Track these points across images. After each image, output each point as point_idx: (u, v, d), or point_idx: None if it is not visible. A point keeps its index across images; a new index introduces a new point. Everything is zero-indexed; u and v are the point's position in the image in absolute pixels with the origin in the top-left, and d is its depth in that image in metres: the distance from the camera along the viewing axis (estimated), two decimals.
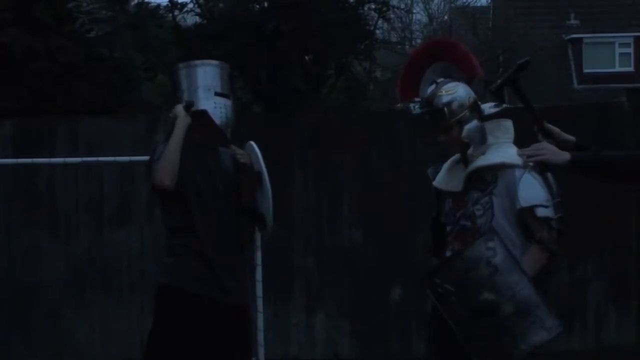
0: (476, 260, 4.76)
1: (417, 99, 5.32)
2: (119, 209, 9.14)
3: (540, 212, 4.94)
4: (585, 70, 37.39)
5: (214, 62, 5.53)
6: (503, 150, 5.10)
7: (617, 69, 37.36)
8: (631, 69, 37.23)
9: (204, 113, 5.28)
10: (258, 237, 7.35)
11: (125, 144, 9.08)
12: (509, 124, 5.21)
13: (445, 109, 5.12)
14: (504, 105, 5.20)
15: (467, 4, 36.06)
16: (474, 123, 5.12)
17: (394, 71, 24.48)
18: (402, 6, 28.42)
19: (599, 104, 11.90)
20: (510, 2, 34.80)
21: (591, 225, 9.19)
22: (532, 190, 4.96)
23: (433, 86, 5.23)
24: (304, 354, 9.10)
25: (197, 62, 5.47)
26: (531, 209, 4.95)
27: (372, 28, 15.16)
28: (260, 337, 7.49)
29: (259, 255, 7.42)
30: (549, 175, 5.00)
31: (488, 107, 5.19)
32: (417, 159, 8.94)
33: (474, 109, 5.13)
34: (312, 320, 9.06)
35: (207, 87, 5.32)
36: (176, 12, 14.33)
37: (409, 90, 5.44)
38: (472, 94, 5.16)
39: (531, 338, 4.81)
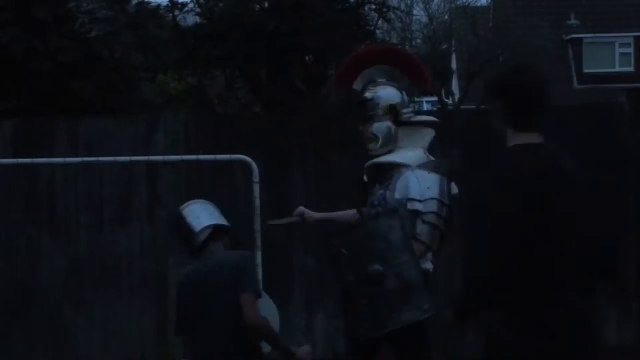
0: (375, 232, 5.23)
1: (351, 90, 5.92)
2: (119, 209, 9.14)
3: (410, 205, 5.52)
4: (585, 70, 37.38)
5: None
6: (405, 152, 5.70)
7: (617, 69, 37.35)
8: (631, 69, 37.22)
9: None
10: (258, 237, 7.36)
11: (125, 144, 9.08)
12: (426, 131, 5.81)
13: (366, 103, 5.75)
14: (422, 117, 5.99)
15: (467, 4, 36.01)
16: (385, 123, 5.72)
17: None
18: (402, 6, 28.44)
19: (599, 104, 11.90)
20: (510, 2, 34.78)
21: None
22: (408, 184, 5.56)
23: (368, 83, 5.84)
24: None
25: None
26: (404, 202, 5.54)
27: (372, 28, 15.18)
28: None
29: (259, 255, 7.42)
30: (443, 179, 5.59)
31: (410, 115, 5.84)
32: None
33: (389, 111, 5.73)
34: (312, 320, 9.06)
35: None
36: (176, 12, 14.35)
37: (344, 81, 5.97)
38: (396, 99, 5.76)
39: (404, 314, 5.22)
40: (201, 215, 5.51)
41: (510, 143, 4.00)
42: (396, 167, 5.69)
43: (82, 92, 11.32)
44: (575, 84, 37.02)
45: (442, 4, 36.12)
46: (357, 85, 5.89)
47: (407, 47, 30.71)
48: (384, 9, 15.21)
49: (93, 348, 9.10)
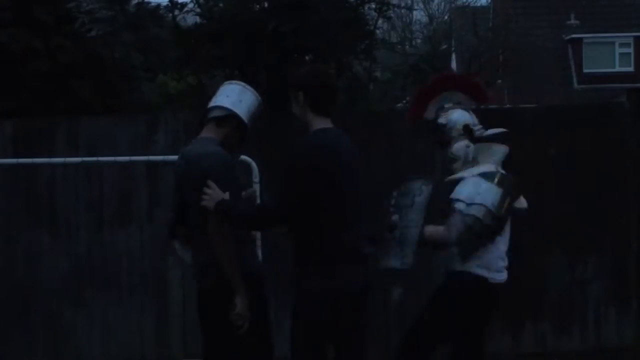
0: (409, 190, 6.10)
1: (425, 119, 6.50)
2: (119, 209, 9.13)
3: (455, 204, 6.12)
4: (585, 70, 37.39)
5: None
6: (478, 168, 6.22)
7: (617, 69, 37.36)
8: (631, 69, 37.23)
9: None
10: (258, 236, 7.36)
11: (125, 144, 9.08)
12: (497, 147, 6.31)
13: (442, 129, 6.31)
14: (492, 131, 6.35)
15: (467, 4, 36.08)
16: (463, 142, 6.24)
17: (394, 71, 24.52)
18: (402, 5, 28.44)
19: (599, 104, 11.89)
20: (510, 2, 34.79)
21: (591, 225, 9.19)
22: (461, 188, 6.15)
23: (439, 109, 6.41)
24: None
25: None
26: (453, 201, 6.13)
27: (372, 28, 15.17)
28: None
29: (259, 255, 7.42)
30: (502, 192, 6.11)
31: (481, 130, 6.33)
32: (416, 159, 8.94)
33: (465, 131, 6.25)
34: None
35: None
36: (176, 12, 14.33)
37: (418, 112, 6.57)
38: (467, 119, 6.29)
39: (389, 261, 6.03)
40: (222, 95, 5.74)
41: (313, 127, 5.35)
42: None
43: (82, 92, 11.30)
44: (575, 84, 37.03)
45: (442, 4, 36.17)
46: (428, 114, 6.47)
47: (407, 47, 30.73)
48: (385, 7, 15.19)
49: (93, 348, 9.10)
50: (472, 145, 6.25)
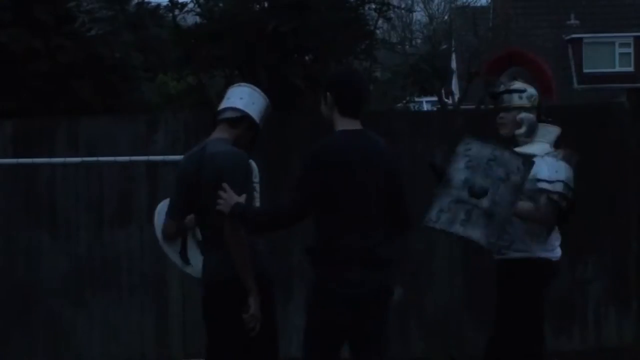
0: (504, 163, 5.88)
1: (501, 80, 6.49)
2: (119, 209, 9.13)
3: (539, 185, 6.10)
4: (585, 70, 37.38)
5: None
6: (533, 145, 6.25)
7: (617, 69, 37.36)
8: (631, 69, 37.22)
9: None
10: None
11: (125, 144, 9.08)
12: (552, 128, 6.36)
13: (517, 94, 6.31)
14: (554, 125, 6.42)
15: (467, 4, 36.07)
16: (531, 115, 6.29)
17: (394, 71, 24.53)
18: (403, 6, 28.44)
19: (599, 104, 11.90)
20: (510, 2, 34.77)
21: (591, 225, 9.19)
22: (537, 169, 6.06)
23: (515, 78, 6.46)
24: None
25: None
26: (534, 181, 6.08)
27: (372, 28, 15.17)
28: None
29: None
30: (571, 168, 6.19)
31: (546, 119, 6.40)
32: (416, 159, 8.94)
33: (537, 107, 6.33)
34: None
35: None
36: (176, 12, 14.33)
37: (495, 70, 6.63)
38: (539, 99, 6.36)
39: (474, 232, 5.79)
40: (235, 96, 5.79)
41: (337, 128, 5.35)
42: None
43: (82, 92, 11.32)
44: (575, 84, 37.03)
45: (442, 4, 36.17)
46: (504, 77, 6.49)
47: (407, 47, 30.73)
48: (385, 7, 15.19)
49: (93, 348, 9.11)
50: (536, 122, 6.32)
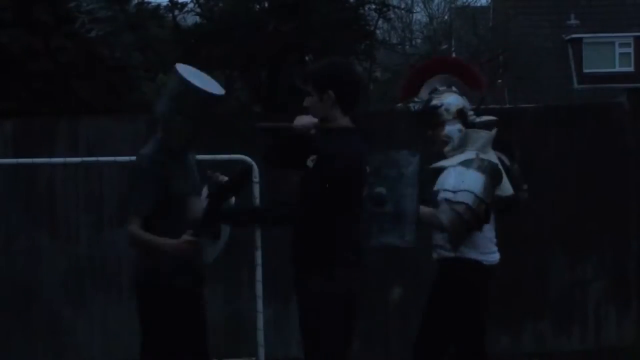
0: (394, 161, 5.91)
1: (416, 99, 6.41)
2: (119, 209, 9.12)
3: (442, 194, 6.05)
4: (585, 70, 37.38)
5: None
6: (459, 156, 6.16)
7: (617, 69, 37.35)
8: (631, 69, 37.22)
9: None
10: (258, 237, 7.36)
11: (125, 144, 9.07)
12: (483, 133, 6.20)
13: (434, 110, 6.24)
14: (484, 118, 6.33)
15: (467, 4, 36.07)
16: (456, 127, 6.20)
17: (394, 71, 24.53)
18: (403, 6, 28.44)
19: (599, 104, 11.89)
20: (510, 2, 34.79)
21: (591, 225, 9.19)
22: (444, 179, 6.09)
23: (433, 92, 6.35)
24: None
25: None
26: (439, 191, 6.08)
27: (372, 28, 15.18)
28: (260, 337, 7.48)
29: (259, 255, 7.42)
30: (486, 177, 6.04)
31: (473, 117, 6.29)
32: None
33: (459, 115, 6.21)
34: None
35: None
36: (176, 12, 14.35)
37: (410, 91, 6.49)
38: (461, 104, 6.25)
39: (386, 238, 5.85)
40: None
41: (338, 126, 5.16)
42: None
43: (82, 92, 11.33)
44: (575, 84, 37.03)
45: (442, 4, 36.16)
46: (422, 94, 6.39)
47: (407, 47, 30.72)
48: (384, 9, 15.21)
49: (93, 348, 9.10)
50: (464, 130, 6.19)
